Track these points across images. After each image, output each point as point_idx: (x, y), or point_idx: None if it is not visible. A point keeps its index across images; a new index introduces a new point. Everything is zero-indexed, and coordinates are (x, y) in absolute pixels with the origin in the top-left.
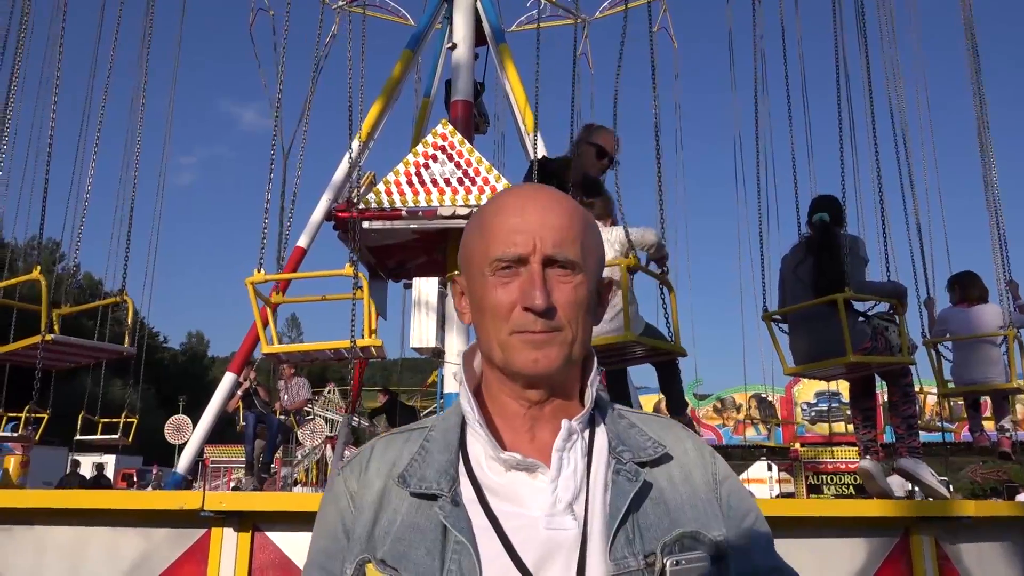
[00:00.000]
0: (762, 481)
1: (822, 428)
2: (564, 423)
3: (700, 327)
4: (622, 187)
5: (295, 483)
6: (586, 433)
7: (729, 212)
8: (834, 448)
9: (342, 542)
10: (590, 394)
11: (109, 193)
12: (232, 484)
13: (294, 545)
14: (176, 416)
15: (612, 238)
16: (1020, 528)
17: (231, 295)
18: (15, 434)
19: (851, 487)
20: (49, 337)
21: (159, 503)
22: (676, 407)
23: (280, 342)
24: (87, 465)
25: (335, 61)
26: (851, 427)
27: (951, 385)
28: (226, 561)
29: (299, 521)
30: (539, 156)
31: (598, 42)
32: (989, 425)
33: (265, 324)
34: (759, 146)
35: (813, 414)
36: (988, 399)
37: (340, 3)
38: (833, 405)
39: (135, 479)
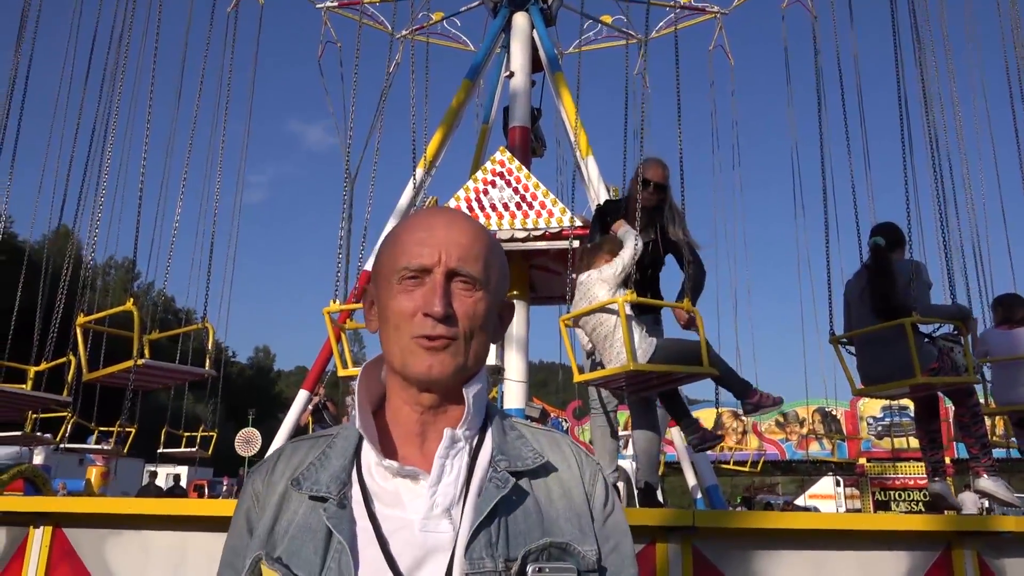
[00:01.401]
0: (831, 497)
1: (888, 443)
2: (447, 431)
3: (761, 340)
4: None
5: None
6: (474, 441)
7: (792, 225)
8: (901, 464)
9: (246, 539)
10: (468, 401)
11: (186, 214)
12: None
13: None
14: (246, 429)
15: (604, 276)
16: None
17: (297, 310)
18: (107, 447)
19: (920, 503)
20: (140, 362)
21: None
22: (738, 392)
23: (352, 364)
24: (162, 476)
25: (399, 88)
26: (917, 442)
27: (992, 404)
28: None
29: None
30: (600, 202)
31: (655, 60)
32: None
33: (340, 349)
34: (823, 171)
35: (879, 429)
36: None
37: (405, 32)
38: (901, 419)
39: (206, 490)
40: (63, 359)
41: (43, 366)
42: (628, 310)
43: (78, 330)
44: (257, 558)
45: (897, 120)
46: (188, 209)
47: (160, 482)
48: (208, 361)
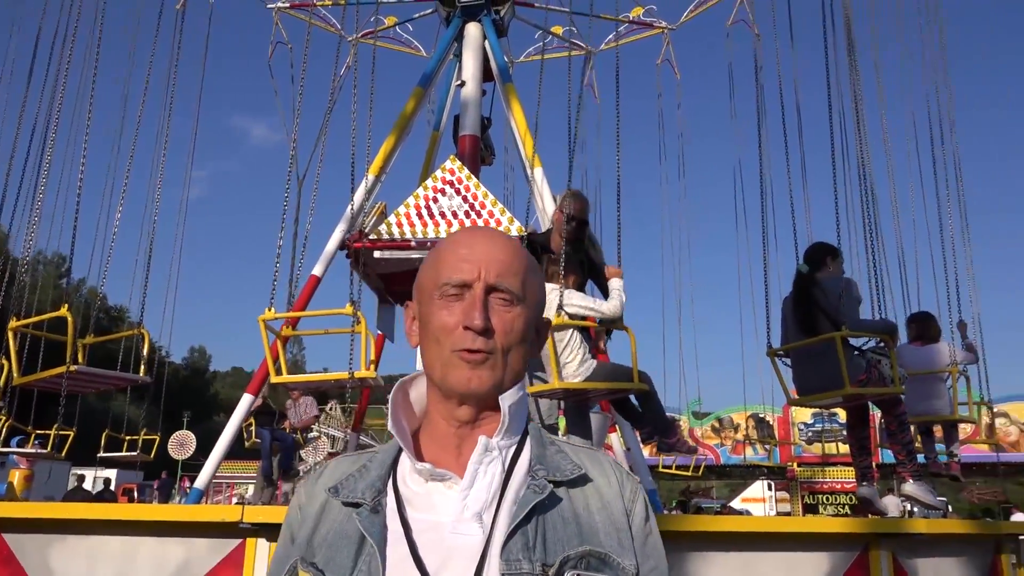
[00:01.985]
0: (762, 500)
1: (819, 448)
2: (481, 439)
3: (701, 348)
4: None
5: None
6: (510, 452)
7: (733, 237)
8: (829, 468)
9: (289, 548)
10: (504, 411)
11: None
12: (235, 499)
13: None
14: (180, 432)
15: (571, 302)
16: (974, 544)
17: (234, 310)
18: (40, 450)
19: (847, 507)
20: (73, 368)
21: (202, 516)
22: (659, 429)
23: (287, 371)
24: (90, 480)
25: (350, 92)
26: (846, 447)
27: None
28: (260, 567)
29: None
30: (526, 232)
31: (607, 72)
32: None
33: (275, 357)
34: (762, 188)
35: (810, 434)
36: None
37: (355, 36)
38: (830, 425)
39: (135, 494)
40: None
41: None
42: (576, 333)
43: (10, 334)
44: (293, 564)
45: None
46: (128, 206)
47: (87, 486)
48: (143, 367)
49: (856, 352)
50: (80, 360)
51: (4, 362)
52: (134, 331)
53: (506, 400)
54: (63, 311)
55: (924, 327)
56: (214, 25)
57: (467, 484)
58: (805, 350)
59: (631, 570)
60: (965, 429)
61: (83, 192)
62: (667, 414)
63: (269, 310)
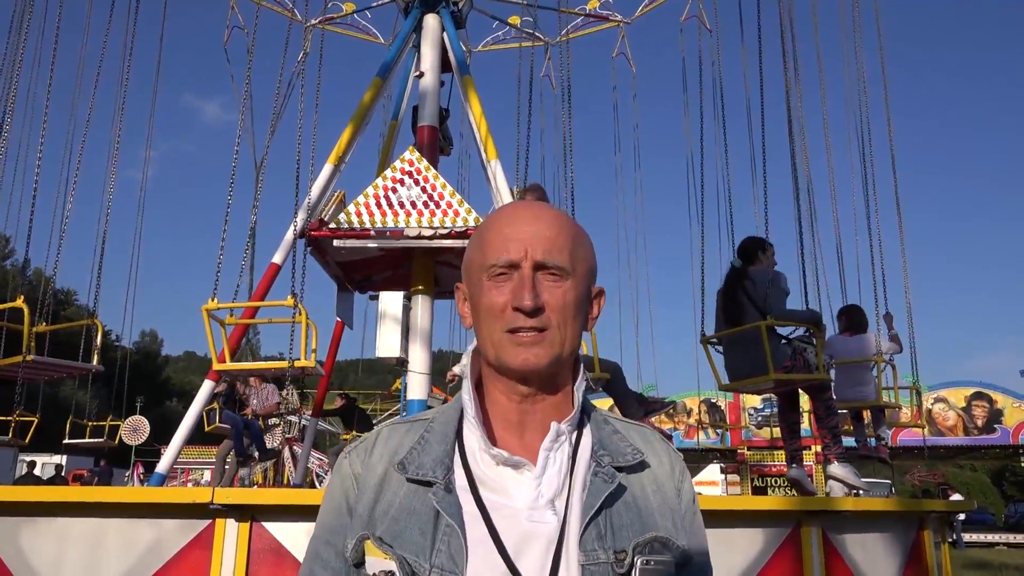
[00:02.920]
0: (715, 483)
1: (767, 432)
2: (553, 425)
3: (658, 335)
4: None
5: (252, 484)
6: (573, 435)
7: (685, 225)
8: (777, 452)
9: (345, 519)
10: (577, 398)
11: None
12: (191, 484)
13: (286, 533)
14: (133, 417)
15: None
16: (899, 521)
17: (184, 293)
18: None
19: (793, 490)
20: (30, 358)
21: (173, 497)
22: (629, 406)
23: (244, 356)
24: (39, 466)
25: (311, 78)
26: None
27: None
28: (228, 547)
29: (291, 513)
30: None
31: (562, 64)
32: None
33: (225, 346)
34: (701, 182)
35: (759, 419)
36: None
37: (313, 22)
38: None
39: (85, 479)
40: None
41: None
42: None
43: None
44: (362, 537)
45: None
46: (79, 187)
47: (37, 471)
48: (96, 356)
49: (783, 341)
50: (33, 348)
51: None
52: (87, 321)
53: (580, 388)
54: (19, 302)
55: (853, 318)
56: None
57: (540, 472)
58: (734, 338)
59: (686, 549)
60: (906, 413)
61: (38, 173)
62: (652, 399)
63: (212, 300)
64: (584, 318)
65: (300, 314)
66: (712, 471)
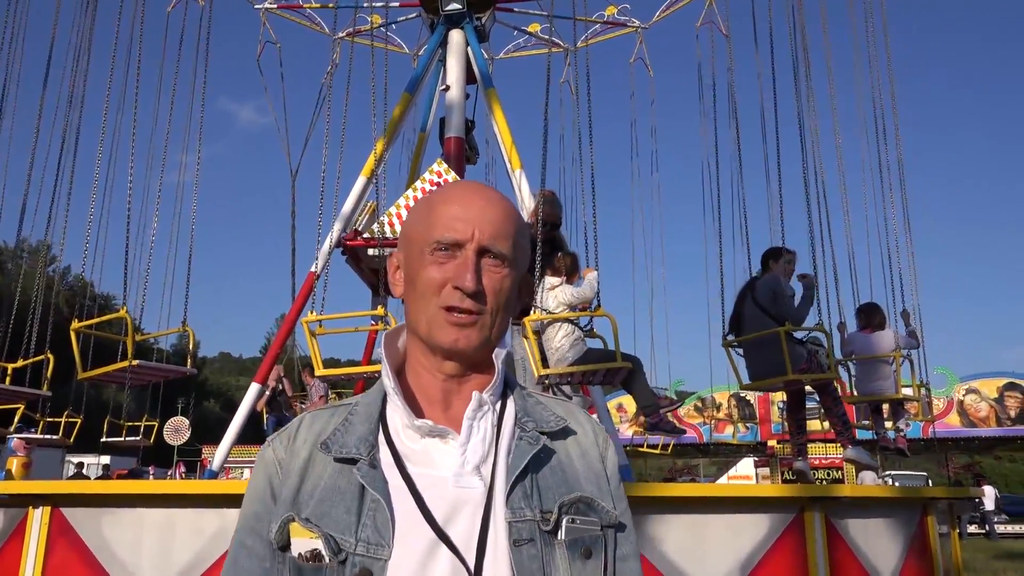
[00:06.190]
0: (748, 478)
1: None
2: (475, 394)
3: (686, 331)
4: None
5: None
6: (497, 406)
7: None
8: (810, 444)
9: (270, 505)
10: (498, 368)
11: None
12: None
13: None
14: (175, 418)
15: (562, 296)
16: (901, 508)
17: (220, 295)
18: (51, 436)
19: (824, 482)
20: (135, 363)
21: (234, 489)
22: (643, 404)
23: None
24: (87, 467)
25: (338, 90)
26: (825, 424)
27: (855, 394)
28: None
29: None
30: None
31: (582, 70)
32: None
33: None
34: (718, 187)
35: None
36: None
37: (341, 35)
38: (807, 405)
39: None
40: (41, 357)
41: (20, 363)
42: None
43: (72, 334)
44: (287, 519)
45: (799, 146)
46: (114, 192)
47: (86, 472)
48: (190, 360)
49: (799, 344)
50: (129, 355)
51: (50, 356)
52: (179, 329)
53: (499, 357)
54: (122, 312)
55: (870, 316)
56: (203, 21)
57: (464, 439)
58: (753, 341)
59: (611, 512)
60: (938, 405)
61: (73, 180)
62: (659, 396)
63: (312, 312)
64: (514, 306)
65: (390, 325)
66: (747, 465)
